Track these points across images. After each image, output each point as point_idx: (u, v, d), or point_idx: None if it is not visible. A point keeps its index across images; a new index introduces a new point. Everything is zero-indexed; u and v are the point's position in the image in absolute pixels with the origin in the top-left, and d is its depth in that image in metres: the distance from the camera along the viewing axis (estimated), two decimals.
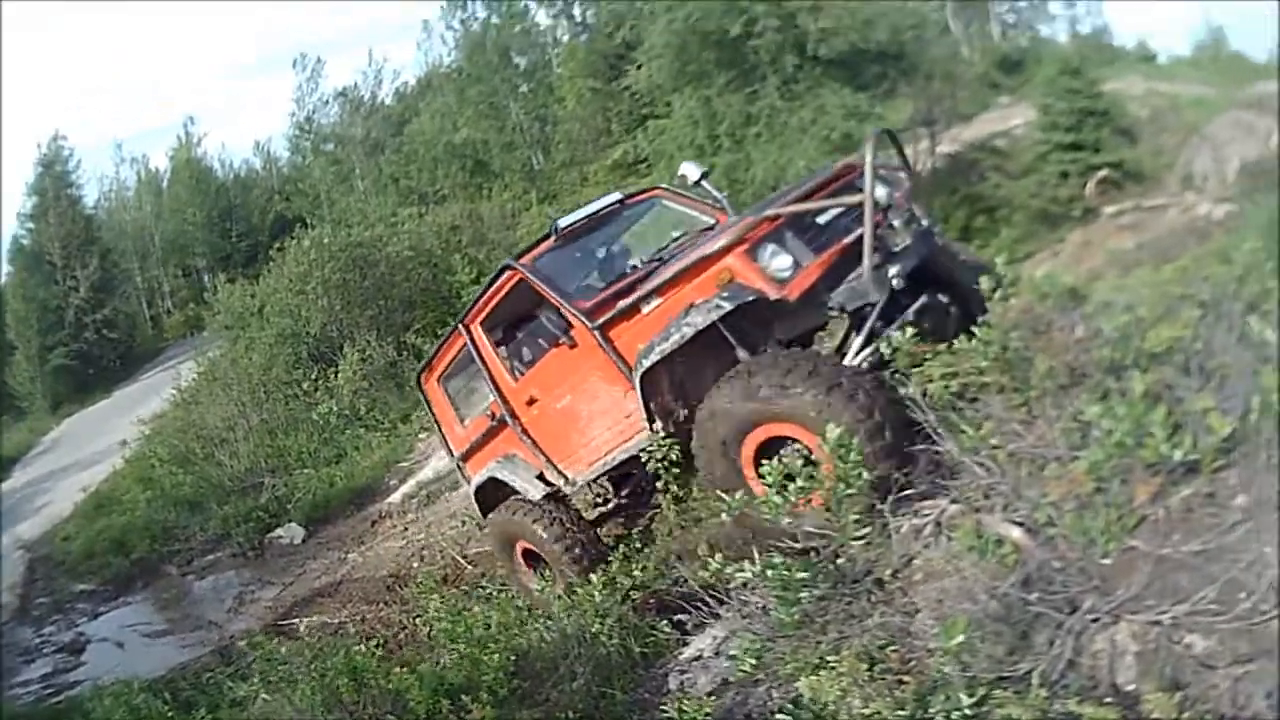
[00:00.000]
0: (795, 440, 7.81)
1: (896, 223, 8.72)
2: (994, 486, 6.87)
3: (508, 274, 10.39)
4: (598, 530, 11.77)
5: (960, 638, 5.51)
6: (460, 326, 11.17)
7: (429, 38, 53.92)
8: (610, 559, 10.22)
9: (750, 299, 8.09)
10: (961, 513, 6.95)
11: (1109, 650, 5.86)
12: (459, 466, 12.50)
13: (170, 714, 10.70)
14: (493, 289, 10.61)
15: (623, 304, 9.18)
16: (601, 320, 9.19)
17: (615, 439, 9.88)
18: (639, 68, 25.17)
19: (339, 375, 28.20)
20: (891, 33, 22.95)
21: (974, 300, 8.75)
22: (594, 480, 11.08)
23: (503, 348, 11.18)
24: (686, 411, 9.03)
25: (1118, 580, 6.05)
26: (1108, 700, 5.47)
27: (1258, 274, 6.99)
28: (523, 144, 40.80)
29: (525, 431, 10.74)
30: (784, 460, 6.80)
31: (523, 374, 10.82)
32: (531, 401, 10.61)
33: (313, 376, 29.16)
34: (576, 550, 10.49)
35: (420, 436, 24.53)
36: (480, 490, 11.69)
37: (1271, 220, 10.59)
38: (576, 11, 39.71)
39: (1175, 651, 5.66)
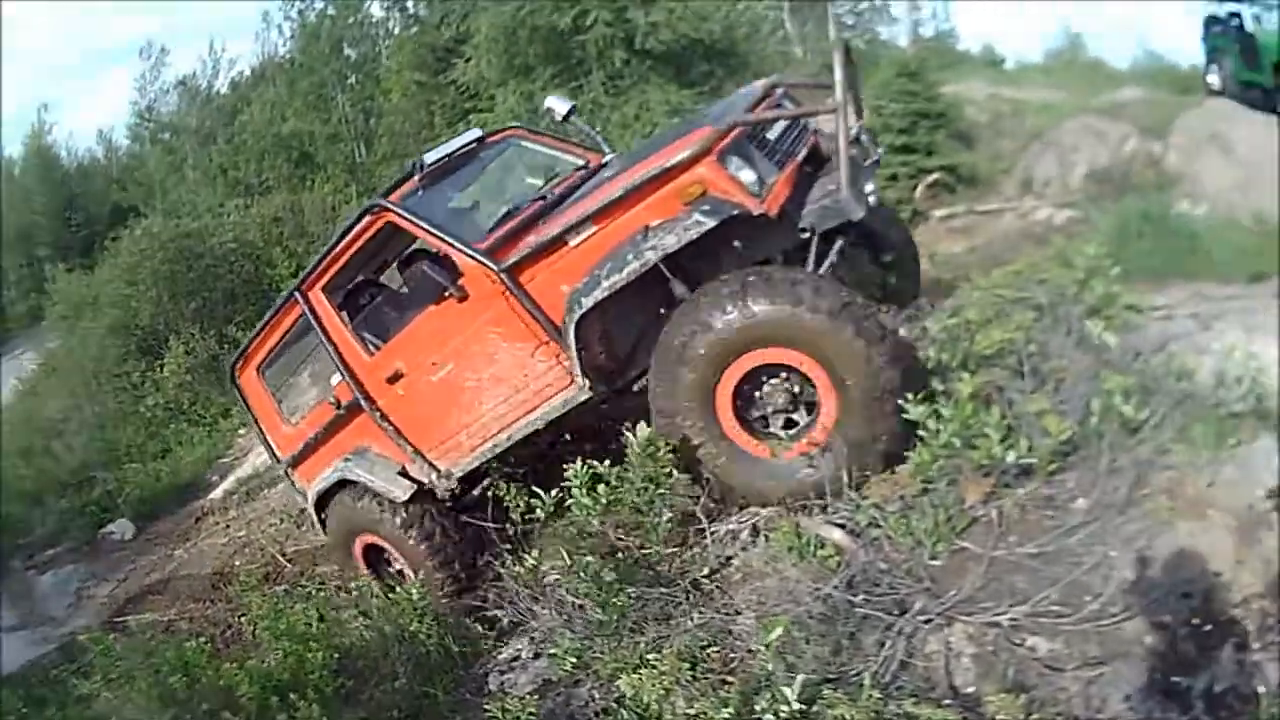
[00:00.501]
0: (781, 372, 6.93)
1: (864, 138, 8.31)
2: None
3: (370, 218, 8.55)
4: (465, 527, 9.48)
5: (778, 632, 5.38)
6: (296, 295, 9.12)
7: (268, 28, 53.21)
8: (483, 560, 9.01)
9: (733, 213, 6.93)
10: (779, 515, 6.85)
11: (944, 652, 5.79)
12: (287, 474, 10.46)
13: (24, 711, 10.93)
14: (346, 241, 8.73)
15: (536, 239, 7.69)
16: (510, 261, 7.67)
17: (515, 410, 8.23)
18: (467, 61, 24.42)
19: (164, 368, 27.64)
20: (724, 29, 22.90)
21: (884, 243, 8.98)
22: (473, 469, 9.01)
23: (348, 318, 9.34)
24: (620, 362, 8.12)
25: (949, 582, 6.04)
26: (946, 702, 5.41)
27: (1101, 278, 7.06)
28: (347, 136, 40.12)
29: (385, 416, 8.90)
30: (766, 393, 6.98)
31: (378, 347, 8.94)
32: (394, 378, 8.69)
33: (141, 369, 28.47)
34: (446, 554, 9.09)
35: (240, 432, 24.14)
36: (323, 498, 9.77)
37: (1119, 226, 10.62)
38: (410, 4, 39.33)
39: (1017, 653, 5.63)
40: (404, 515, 9.17)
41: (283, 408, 10.33)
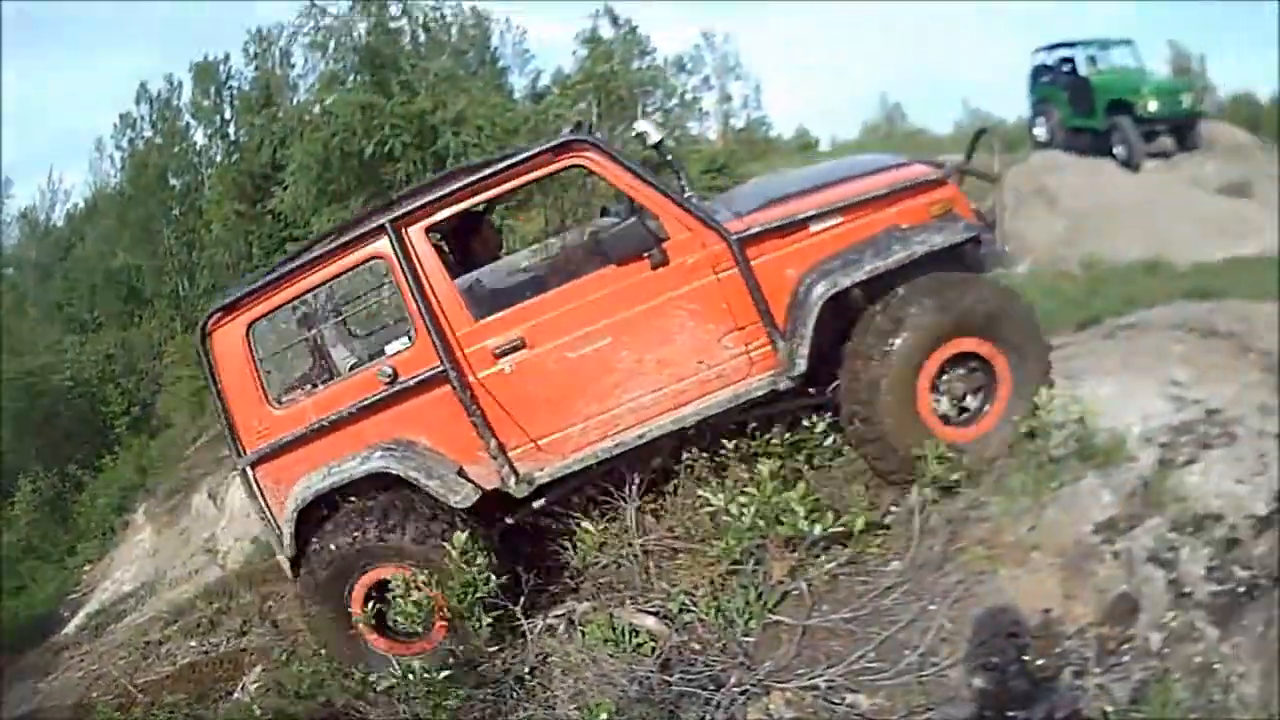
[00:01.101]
0: (970, 361, 7.16)
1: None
2: (625, 580, 6.92)
3: (560, 154, 7.21)
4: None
5: (603, 718, 5.41)
6: (385, 227, 7.23)
7: (100, 157, 51.46)
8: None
9: (980, 233, 7.40)
10: (594, 608, 6.78)
11: (764, 718, 5.75)
12: (245, 474, 7.75)
13: None
14: (503, 174, 7.26)
15: (775, 218, 7.20)
16: (743, 233, 7.09)
17: (667, 402, 7.25)
18: (285, 189, 23.00)
19: (16, 507, 26.86)
20: (532, 140, 22.25)
21: None
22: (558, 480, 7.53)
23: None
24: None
25: (763, 654, 6.10)
26: None
27: None
28: (172, 270, 38.49)
29: (473, 397, 7.24)
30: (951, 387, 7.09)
31: (491, 310, 7.40)
32: (508, 351, 7.22)
33: None
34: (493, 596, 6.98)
35: (84, 569, 23.26)
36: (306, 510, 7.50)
37: None
38: (231, 130, 38.78)
39: (838, 711, 5.64)
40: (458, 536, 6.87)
41: (269, 382, 7.71)
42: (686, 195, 7.34)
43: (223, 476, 19.40)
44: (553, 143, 7.18)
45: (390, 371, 7.18)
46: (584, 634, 6.56)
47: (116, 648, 16.50)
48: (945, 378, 7.14)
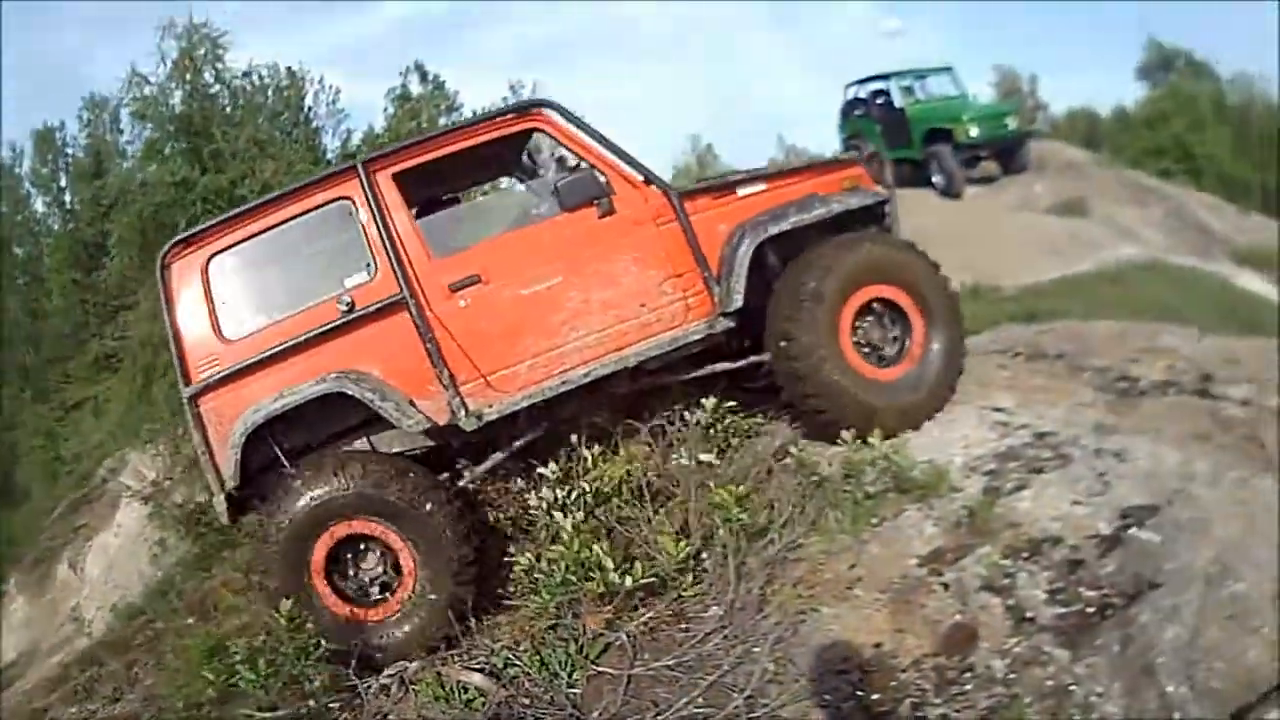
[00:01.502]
0: (888, 304, 7.98)
1: None
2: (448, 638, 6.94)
3: (522, 115, 8.00)
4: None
5: None
6: (358, 169, 7.77)
7: None
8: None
9: (885, 199, 8.46)
10: (423, 667, 6.81)
11: None
12: (190, 404, 7.75)
13: None
14: (469, 132, 7.99)
15: (710, 181, 8.46)
16: (681, 190, 7.94)
17: (611, 343, 7.75)
18: (111, 259, 23.57)
19: None
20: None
21: None
22: (504, 417, 7.81)
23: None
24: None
25: (590, 705, 6.08)
26: None
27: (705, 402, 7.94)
28: (17, 340, 38.08)
29: (429, 329, 7.62)
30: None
31: (449, 250, 7.94)
32: (463, 285, 7.69)
33: None
34: (467, 548, 7.29)
35: None
36: (253, 439, 7.60)
37: None
38: (67, 198, 38.30)
39: None
40: (418, 477, 7.35)
41: (223, 311, 7.85)
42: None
43: (80, 545, 19.16)
44: (517, 104, 8.21)
45: (349, 301, 7.51)
46: (416, 693, 6.63)
47: (10, 717, 16.44)
48: (863, 324, 7.88)
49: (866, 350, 7.86)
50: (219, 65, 22.59)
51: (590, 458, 7.68)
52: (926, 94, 26.10)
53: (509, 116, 7.88)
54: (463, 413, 7.52)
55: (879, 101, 26.35)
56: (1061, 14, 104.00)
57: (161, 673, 9.32)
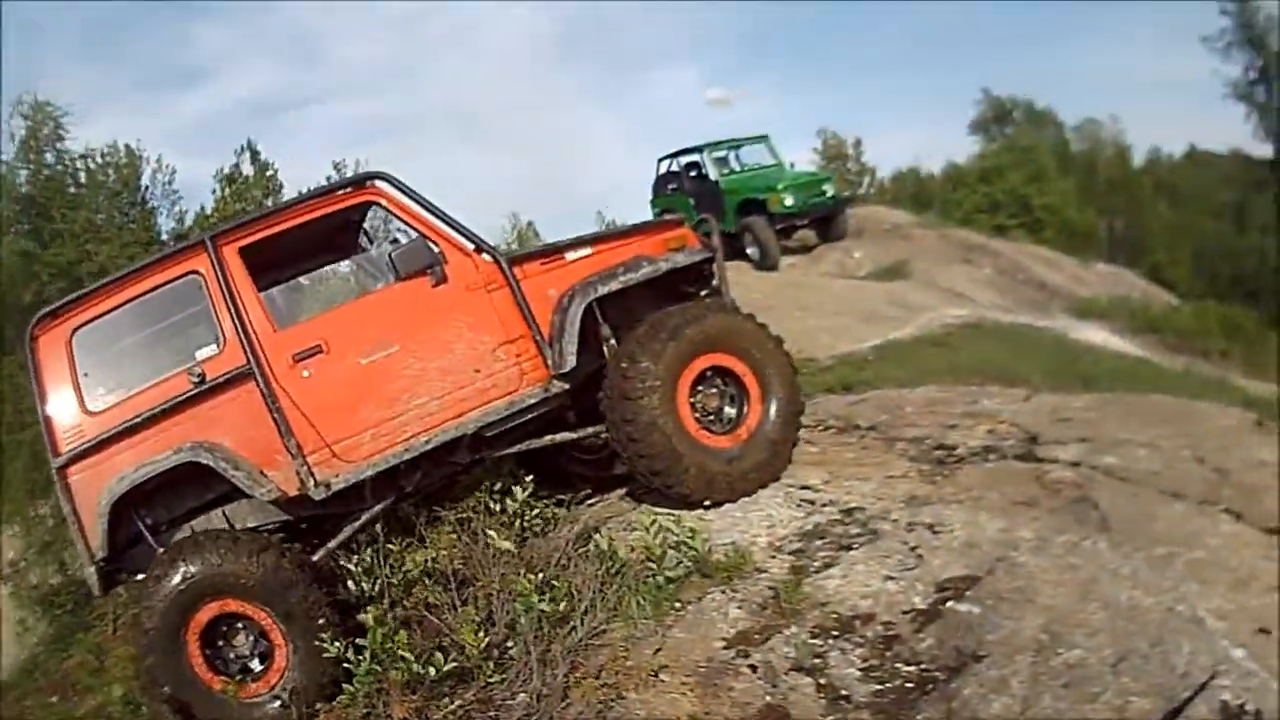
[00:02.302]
0: (725, 373, 8.27)
1: None
2: None
3: (356, 189, 8.34)
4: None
5: None
6: (205, 243, 8.07)
7: None
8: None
9: (710, 256, 8.91)
10: None
11: None
12: (59, 475, 7.94)
13: None
14: (304, 207, 8.27)
15: (538, 247, 8.84)
16: (510, 256, 8.27)
17: (450, 410, 7.99)
18: None
19: None
20: None
21: None
22: (347, 488, 7.98)
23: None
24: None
25: None
26: None
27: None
28: None
29: (275, 399, 7.84)
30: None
31: (291, 322, 8.43)
32: (306, 355, 7.93)
33: None
34: (326, 622, 7.37)
35: None
36: (118, 510, 7.77)
37: None
38: None
39: None
40: (284, 556, 7.51)
41: (86, 383, 8.14)
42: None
43: None
44: (351, 178, 8.48)
45: (200, 373, 7.75)
46: None
47: None
48: (700, 393, 8.15)
49: (705, 417, 8.07)
50: (59, 145, 23.05)
51: (395, 548, 7.88)
52: (741, 164, 26.08)
53: (344, 190, 8.25)
54: (311, 482, 7.69)
55: (691, 174, 26.20)
56: (890, 75, 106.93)
57: None
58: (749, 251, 24.20)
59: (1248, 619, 5.83)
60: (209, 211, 23.49)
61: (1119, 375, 14.57)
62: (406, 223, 8.26)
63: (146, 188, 24.95)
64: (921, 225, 29.88)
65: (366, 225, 9.87)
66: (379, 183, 8.19)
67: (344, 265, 10.18)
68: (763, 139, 26.45)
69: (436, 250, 8.05)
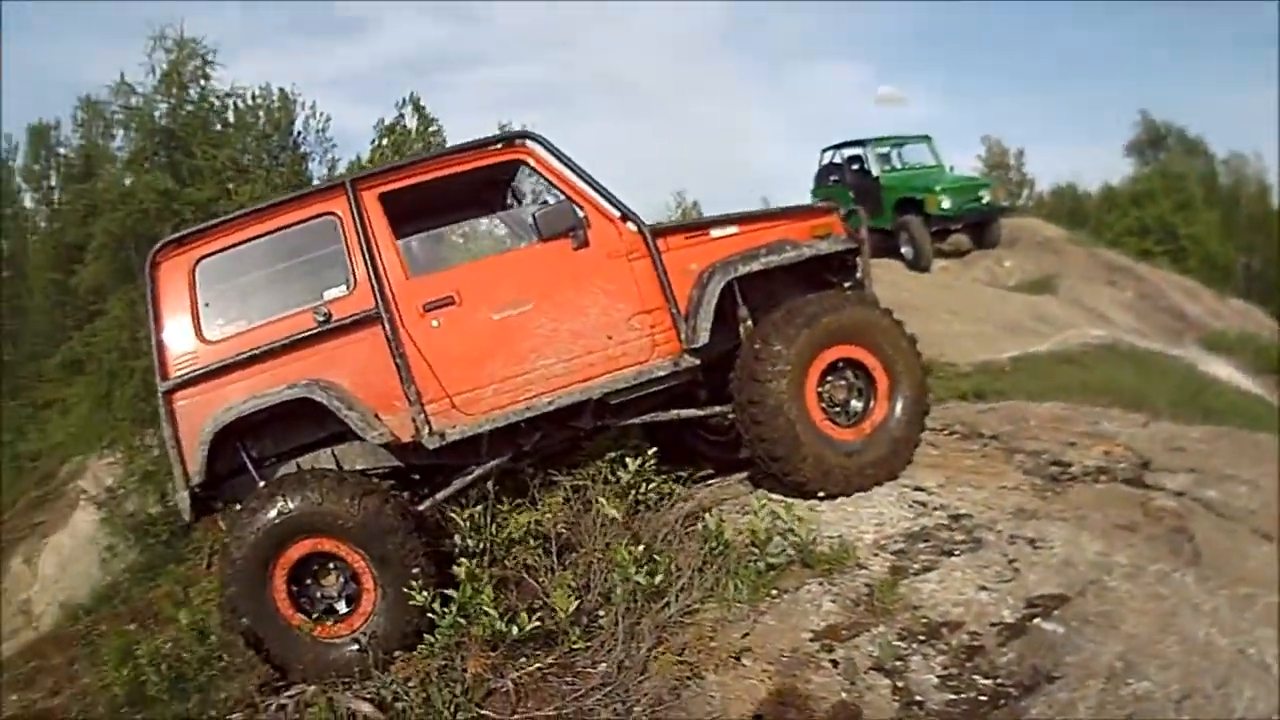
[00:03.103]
0: (856, 365, 8.19)
1: None
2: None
3: (507, 146, 8.34)
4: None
5: None
6: (345, 186, 8.13)
7: None
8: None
9: (857, 244, 8.73)
10: (321, 691, 6.87)
11: None
12: (165, 399, 7.94)
13: None
14: (454, 160, 8.31)
15: (684, 221, 8.74)
16: (655, 227, 8.22)
17: (577, 374, 7.98)
18: (86, 266, 23.07)
19: None
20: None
21: None
22: (462, 441, 7.96)
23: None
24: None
25: None
26: None
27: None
28: None
29: (400, 345, 7.84)
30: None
31: (426, 271, 8.45)
32: (437, 305, 7.93)
33: None
34: (421, 562, 7.37)
35: None
36: (221, 440, 7.82)
37: None
38: (56, 197, 37.65)
39: None
40: (388, 502, 7.46)
41: (205, 313, 8.13)
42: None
43: (36, 542, 19.40)
44: (501, 134, 8.33)
45: (326, 313, 7.73)
46: (309, 716, 6.73)
47: None
48: (828, 383, 8.08)
49: (831, 408, 8.01)
50: (204, 82, 22.60)
51: (505, 506, 7.97)
52: (903, 162, 25.71)
53: (493, 147, 8.17)
54: (426, 430, 7.69)
55: (854, 168, 25.92)
56: (1056, 88, 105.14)
57: (96, 672, 9.42)
58: (903, 250, 23.93)
59: None
60: (365, 162, 23.12)
61: (1238, 410, 14.34)
62: (554, 184, 8.26)
63: (299, 133, 24.68)
64: (1073, 242, 29.28)
65: (516, 185, 9.84)
66: (529, 142, 8.17)
67: (488, 222, 10.25)
68: (925, 139, 26.03)
69: (581, 214, 8.02)
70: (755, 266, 8.07)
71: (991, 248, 25.75)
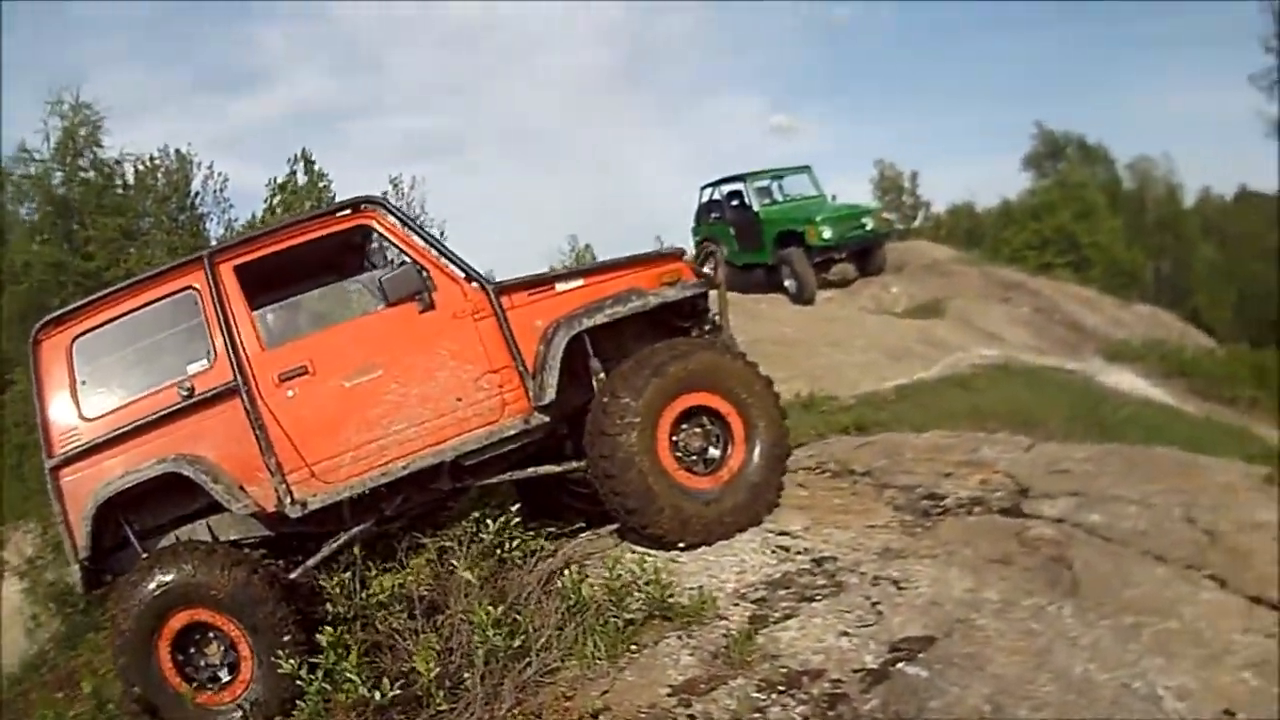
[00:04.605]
0: (709, 412, 8.18)
1: None
2: None
3: (353, 213, 8.41)
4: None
5: None
6: (203, 261, 8.26)
7: None
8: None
9: (707, 289, 8.79)
10: None
11: None
12: (52, 475, 8.18)
13: None
14: (301, 228, 8.42)
15: (527, 276, 8.49)
16: (498, 285, 8.29)
17: (429, 437, 8.06)
18: None
19: None
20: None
21: None
22: (322, 510, 8.07)
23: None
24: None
25: None
26: None
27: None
28: None
29: (259, 416, 7.98)
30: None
31: (281, 341, 8.47)
32: (292, 375, 8.05)
33: None
34: (291, 629, 7.53)
35: None
36: (104, 514, 7.98)
37: None
38: None
39: None
40: (256, 572, 7.68)
41: (83, 390, 8.39)
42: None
43: None
44: (346, 201, 8.40)
45: (190, 387, 7.95)
46: None
47: None
48: (683, 432, 8.09)
49: (687, 457, 8.00)
50: (96, 150, 22.84)
51: (373, 571, 8.00)
52: (784, 194, 25.75)
53: (340, 213, 8.30)
54: (289, 500, 7.79)
55: (733, 203, 25.91)
56: (951, 109, 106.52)
57: None
58: (786, 284, 24.05)
59: (1213, 698, 5.48)
60: (259, 219, 23.00)
61: (1137, 422, 14.37)
62: (398, 248, 8.34)
63: (197, 194, 24.87)
64: (963, 262, 29.48)
65: (373, 248, 9.96)
66: (374, 207, 8.27)
67: (341, 287, 10.25)
68: (805, 169, 26.18)
69: (425, 276, 8.10)
70: (600, 319, 8.13)
71: (877, 274, 25.94)
